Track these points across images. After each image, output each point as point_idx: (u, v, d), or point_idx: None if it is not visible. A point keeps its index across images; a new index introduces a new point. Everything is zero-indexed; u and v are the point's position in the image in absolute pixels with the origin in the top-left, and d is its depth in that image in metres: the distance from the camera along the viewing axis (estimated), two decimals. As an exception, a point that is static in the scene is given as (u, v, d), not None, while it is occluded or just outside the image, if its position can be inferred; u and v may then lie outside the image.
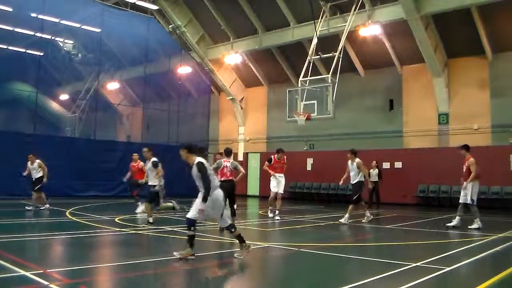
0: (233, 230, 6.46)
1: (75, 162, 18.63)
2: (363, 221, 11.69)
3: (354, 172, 11.55)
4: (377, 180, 16.66)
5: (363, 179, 11.66)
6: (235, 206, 10.04)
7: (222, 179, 9.58)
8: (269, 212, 12.60)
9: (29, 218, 11.41)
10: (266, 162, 12.62)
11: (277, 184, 12.33)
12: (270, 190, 12.48)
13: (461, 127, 18.26)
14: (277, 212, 12.20)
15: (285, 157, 12.50)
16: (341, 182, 12.10)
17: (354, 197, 11.54)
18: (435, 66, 17.95)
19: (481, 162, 17.07)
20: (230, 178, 9.84)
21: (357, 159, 11.68)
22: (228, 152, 10.17)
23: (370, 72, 20.99)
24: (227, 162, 9.88)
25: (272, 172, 12.38)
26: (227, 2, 21.64)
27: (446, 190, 18.18)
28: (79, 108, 24.79)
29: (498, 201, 17.06)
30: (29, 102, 18.84)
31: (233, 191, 9.95)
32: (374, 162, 16.91)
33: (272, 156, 12.63)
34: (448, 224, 10.82)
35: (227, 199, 9.33)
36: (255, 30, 22.19)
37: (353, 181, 11.62)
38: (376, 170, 16.78)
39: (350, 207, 11.51)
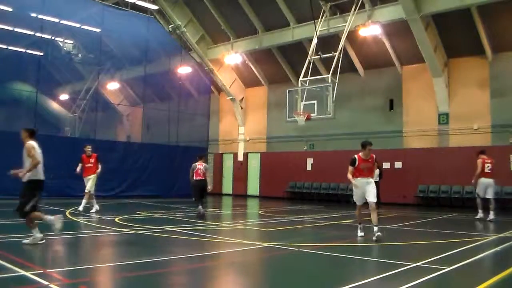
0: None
1: (75, 162, 18.58)
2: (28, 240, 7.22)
3: (27, 163, 7.26)
4: (377, 180, 16.67)
5: (36, 178, 7.27)
6: (203, 200, 12.83)
7: (197, 178, 12.34)
8: (358, 230, 9.01)
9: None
10: (350, 167, 8.72)
11: (364, 192, 8.73)
12: (354, 202, 9.08)
13: (461, 127, 18.26)
14: (376, 228, 8.45)
15: (373, 154, 8.89)
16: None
17: (27, 206, 7.17)
18: (435, 66, 17.95)
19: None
20: (203, 178, 12.38)
21: (31, 142, 7.42)
22: (201, 157, 12.71)
23: (370, 72, 20.99)
24: (200, 165, 12.43)
25: (352, 179, 8.73)
26: (227, 2, 21.64)
27: (446, 190, 18.17)
28: (79, 108, 24.78)
29: (498, 201, 16.99)
30: (29, 102, 18.82)
31: (205, 188, 12.51)
32: (376, 162, 16.91)
33: (355, 156, 8.75)
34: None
35: (200, 193, 12.52)
36: (255, 30, 22.19)
37: (24, 178, 7.23)
38: (377, 170, 16.80)
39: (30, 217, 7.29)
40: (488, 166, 12.53)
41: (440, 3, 16.43)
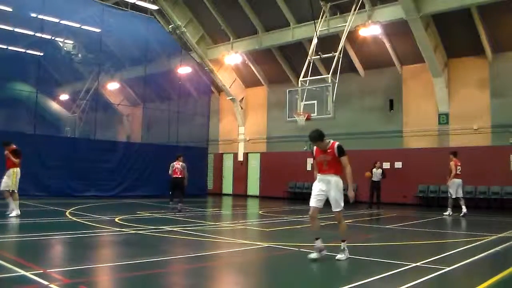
0: None
1: (75, 162, 18.65)
2: None
3: None
4: (379, 180, 16.71)
5: None
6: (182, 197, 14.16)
7: (175, 176, 13.88)
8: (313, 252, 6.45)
9: (28, 218, 11.40)
10: (313, 161, 6.89)
11: (321, 192, 6.55)
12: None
13: (461, 127, 18.27)
14: (342, 244, 6.48)
15: (335, 143, 6.61)
16: None
17: None
18: (435, 66, 17.95)
19: (481, 162, 17.31)
20: (180, 175, 13.83)
21: None
22: (178, 157, 14.21)
23: (370, 72, 20.99)
24: (177, 164, 13.95)
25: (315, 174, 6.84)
26: (227, 2, 21.64)
27: (446, 190, 18.13)
28: (79, 108, 24.77)
29: (498, 201, 17.07)
30: (29, 102, 18.83)
31: (182, 184, 13.93)
32: (378, 162, 17.03)
33: (314, 147, 6.83)
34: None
35: (178, 190, 13.99)
36: (255, 30, 22.19)
37: None
38: (380, 170, 16.86)
39: None
40: (459, 169, 14.14)
41: (440, 3, 16.43)
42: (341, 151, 6.53)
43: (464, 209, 13.95)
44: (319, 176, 6.64)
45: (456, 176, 14.11)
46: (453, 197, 14.19)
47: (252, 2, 21.21)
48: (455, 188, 14.13)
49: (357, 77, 21.18)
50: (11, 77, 19.05)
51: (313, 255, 6.33)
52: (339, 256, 6.40)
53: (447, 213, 14.25)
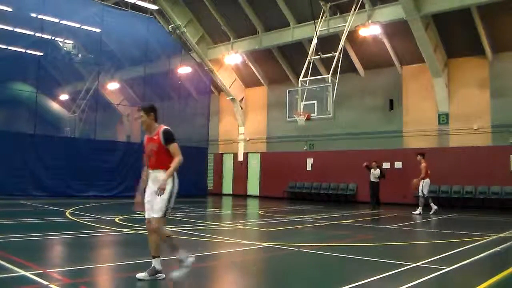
0: None
1: (75, 162, 18.65)
2: None
3: None
4: (377, 180, 16.69)
5: None
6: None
7: None
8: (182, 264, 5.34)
9: (28, 218, 11.41)
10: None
11: (151, 197, 5.12)
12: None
13: (461, 127, 18.26)
14: (153, 262, 5.21)
15: (162, 127, 5.19)
16: None
17: None
18: (435, 66, 17.95)
19: (481, 162, 17.32)
20: None
21: None
22: None
23: (370, 72, 20.99)
24: None
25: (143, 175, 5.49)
26: (227, 2, 21.64)
27: (446, 190, 18.17)
28: (79, 108, 24.76)
29: (498, 201, 17.07)
30: (29, 102, 18.82)
31: None
32: (374, 163, 17.00)
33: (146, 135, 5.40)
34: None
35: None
36: (255, 30, 22.19)
37: None
38: (378, 170, 16.83)
39: None
40: (428, 170, 14.99)
41: (440, 3, 16.43)
42: (168, 137, 5.04)
43: (434, 207, 14.90)
44: (149, 172, 5.27)
45: (429, 176, 14.94)
46: (426, 196, 14.90)
47: (252, 2, 21.21)
48: (427, 188, 14.89)
49: (357, 77, 21.18)
50: (11, 77, 19.04)
51: (141, 275, 5.01)
52: (140, 275, 5.02)
53: (417, 212, 14.64)
